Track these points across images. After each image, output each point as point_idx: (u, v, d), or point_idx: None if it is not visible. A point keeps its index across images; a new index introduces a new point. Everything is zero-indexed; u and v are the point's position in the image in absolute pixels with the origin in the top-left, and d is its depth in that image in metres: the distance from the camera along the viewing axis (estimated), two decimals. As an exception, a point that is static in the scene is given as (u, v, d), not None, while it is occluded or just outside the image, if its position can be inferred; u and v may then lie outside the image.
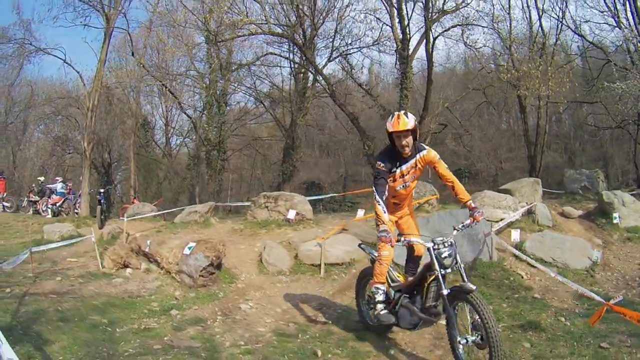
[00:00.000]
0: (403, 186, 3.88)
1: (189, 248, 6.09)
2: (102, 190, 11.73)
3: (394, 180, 3.82)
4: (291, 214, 8.15)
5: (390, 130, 3.61)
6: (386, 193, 3.71)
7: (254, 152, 23.09)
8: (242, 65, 17.29)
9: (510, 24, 15.29)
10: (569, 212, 8.43)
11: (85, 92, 14.87)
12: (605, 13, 14.57)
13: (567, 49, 17.61)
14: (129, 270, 6.37)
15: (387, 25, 14.80)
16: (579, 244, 6.86)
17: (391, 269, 3.99)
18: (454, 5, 13.33)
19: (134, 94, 20.45)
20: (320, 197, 14.87)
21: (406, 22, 13.87)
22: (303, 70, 17.25)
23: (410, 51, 13.94)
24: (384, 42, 15.52)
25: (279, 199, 8.76)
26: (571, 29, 15.15)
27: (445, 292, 3.34)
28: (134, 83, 19.13)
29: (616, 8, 14.10)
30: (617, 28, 14.04)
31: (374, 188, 3.71)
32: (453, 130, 22.94)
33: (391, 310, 3.81)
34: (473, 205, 3.72)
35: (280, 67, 19.12)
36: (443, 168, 3.78)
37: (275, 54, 17.38)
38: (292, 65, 17.98)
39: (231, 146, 20.32)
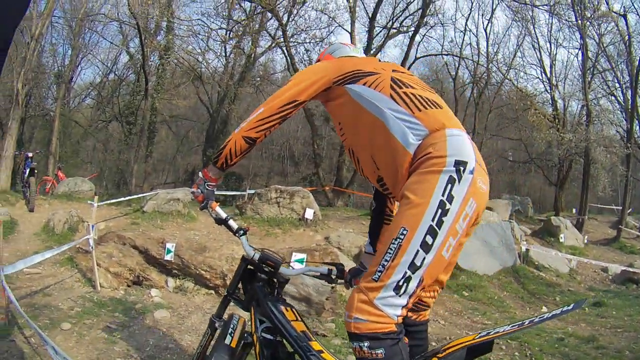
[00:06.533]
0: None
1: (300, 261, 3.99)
2: (30, 155, 8.17)
3: None
4: (309, 213, 7.00)
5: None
6: None
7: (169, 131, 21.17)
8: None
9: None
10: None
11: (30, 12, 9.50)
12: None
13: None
14: (154, 291, 3.86)
15: (345, 30, 13.85)
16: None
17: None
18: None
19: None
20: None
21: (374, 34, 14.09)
22: (248, 51, 14.10)
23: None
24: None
25: (295, 195, 7.34)
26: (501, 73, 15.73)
27: None
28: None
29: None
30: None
31: None
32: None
33: None
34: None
35: (218, 41, 14.30)
36: None
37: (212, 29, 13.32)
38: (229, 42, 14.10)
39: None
